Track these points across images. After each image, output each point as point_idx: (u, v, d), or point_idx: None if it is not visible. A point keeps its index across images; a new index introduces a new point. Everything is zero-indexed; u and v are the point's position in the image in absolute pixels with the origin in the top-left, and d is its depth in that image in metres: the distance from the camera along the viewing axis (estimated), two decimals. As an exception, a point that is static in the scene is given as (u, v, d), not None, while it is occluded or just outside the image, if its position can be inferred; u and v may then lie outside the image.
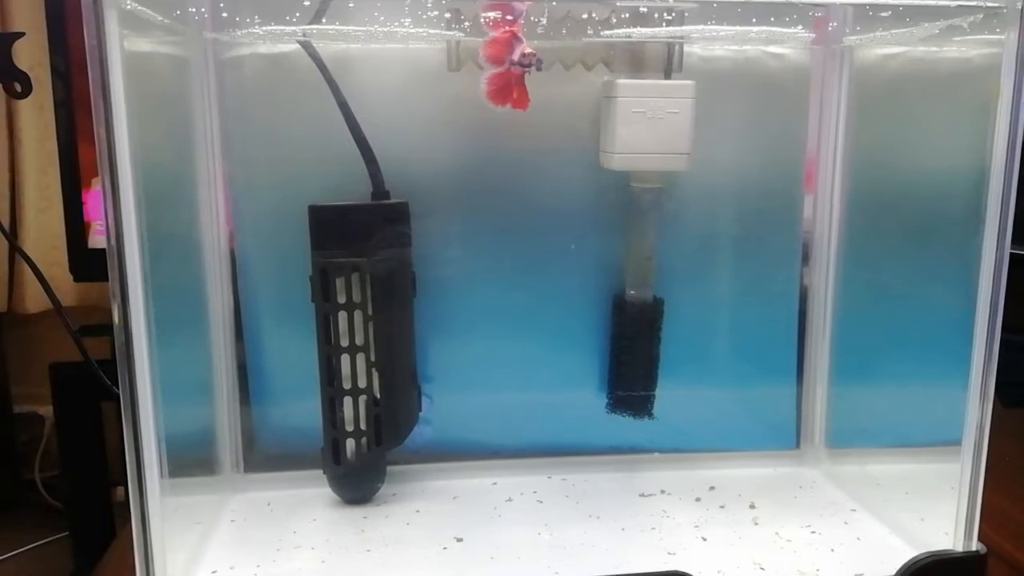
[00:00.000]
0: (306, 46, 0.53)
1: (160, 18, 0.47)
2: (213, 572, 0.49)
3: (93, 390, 1.01)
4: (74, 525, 1.06)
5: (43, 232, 1.17)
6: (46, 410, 1.23)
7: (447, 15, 0.50)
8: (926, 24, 0.51)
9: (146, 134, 0.42)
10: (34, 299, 1.21)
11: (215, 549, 0.51)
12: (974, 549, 0.49)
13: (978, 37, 0.50)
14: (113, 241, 0.39)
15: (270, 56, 0.55)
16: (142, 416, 0.41)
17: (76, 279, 0.93)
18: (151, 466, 0.42)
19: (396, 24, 0.51)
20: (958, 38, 0.51)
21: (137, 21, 0.43)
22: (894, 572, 0.48)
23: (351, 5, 0.50)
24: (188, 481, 0.51)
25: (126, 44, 0.39)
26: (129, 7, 0.41)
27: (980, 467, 0.48)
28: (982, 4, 0.46)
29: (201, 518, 0.54)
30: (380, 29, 0.51)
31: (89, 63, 0.38)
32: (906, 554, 0.49)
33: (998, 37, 0.44)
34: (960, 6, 0.46)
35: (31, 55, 0.93)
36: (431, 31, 0.52)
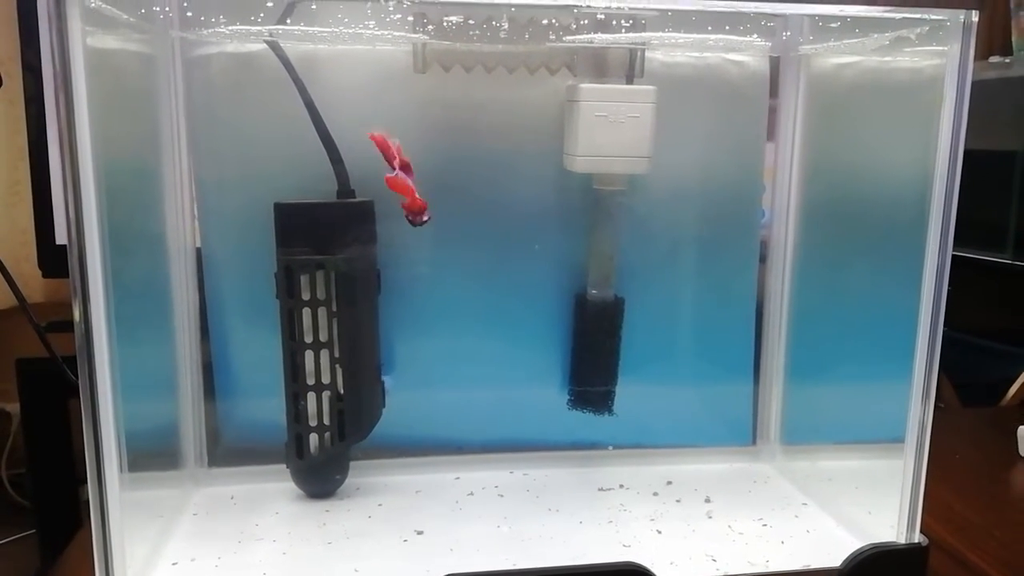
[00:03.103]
0: (273, 46, 0.54)
1: (125, 16, 0.47)
2: (174, 564, 0.49)
3: (60, 387, 1.00)
4: (41, 522, 1.06)
5: (13, 227, 1.16)
6: (13, 407, 1.22)
7: (410, 18, 0.51)
8: (875, 35, 0.53)
9: (110, 130, 0.42)
10: (1, 295, 1.20)
11: (176, 542, 0.52)
12: (916, 541, 0.51)
13: (927, 48, 0.51)
14: (73, 236, 0.39)
15: (237, 55, 0.55)
16: (102, 411, 0.41)
17: (45, 275, 0.93)
18: (110, 461, 0.42)
19: (361, 26, 0.52)
20: (908, 49, 0.53)
21: (101, 18, 0.43)
22: (839, 564, 0.50)
23: (313, 7, 0.50)
24: (150, 475, 0.52)
25: (89, 41, 0.39)
26: (93, 5, 0.41)
27: (922, 463, 0.50)
28: (926, 16, 0.47)
29: (163, 512, 0.54)
30: (345, 31, 0.52)
31: (53, 59, 0.38)
32: (852, 546, 0.50)
33: (944, 48, 0.46)
34: (905, 18, 0.48)
35: (2, 49, 0.93)
36: (396, 33, 0.53)
